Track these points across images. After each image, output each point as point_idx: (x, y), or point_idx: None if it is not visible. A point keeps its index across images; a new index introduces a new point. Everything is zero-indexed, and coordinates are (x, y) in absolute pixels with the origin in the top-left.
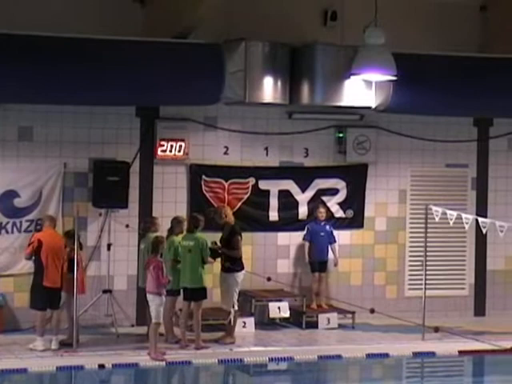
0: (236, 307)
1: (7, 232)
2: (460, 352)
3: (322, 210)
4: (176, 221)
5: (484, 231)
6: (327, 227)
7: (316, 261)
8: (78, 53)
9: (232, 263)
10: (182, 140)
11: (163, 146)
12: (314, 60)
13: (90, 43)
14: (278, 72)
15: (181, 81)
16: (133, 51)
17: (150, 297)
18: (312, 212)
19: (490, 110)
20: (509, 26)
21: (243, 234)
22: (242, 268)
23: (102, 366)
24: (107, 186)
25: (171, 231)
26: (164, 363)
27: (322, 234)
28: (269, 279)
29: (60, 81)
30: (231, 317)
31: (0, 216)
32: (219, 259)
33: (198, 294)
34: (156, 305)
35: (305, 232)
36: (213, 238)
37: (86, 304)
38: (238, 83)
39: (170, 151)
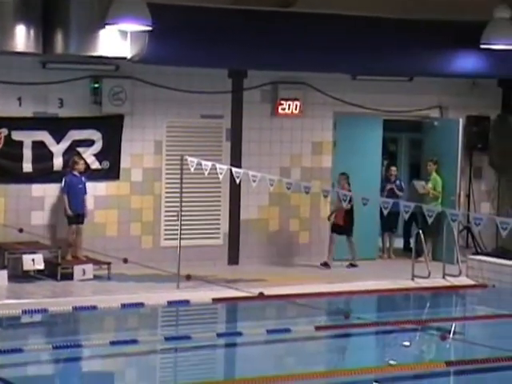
0: None
1: None
2: (214, 300)
3: (80, 161)
4: None
5: (238, 181)
6: (83, 179)
7: (73, 213)
8: None
9: None
10: None
11: None
12: (69, 9)
13: None
14: (30, 21)
15: None
16: None
17: None
18: (68, 163)
19: (242, 62)
20: None
21: None
22: None
23: None
24: None
25: None
26: None
27: (80, 186)
28: (21, 230)
29: None
30: None
31: None
32: None
33: None
34: None
35: (62, 185)
36: None
37: None
38: None
39: None
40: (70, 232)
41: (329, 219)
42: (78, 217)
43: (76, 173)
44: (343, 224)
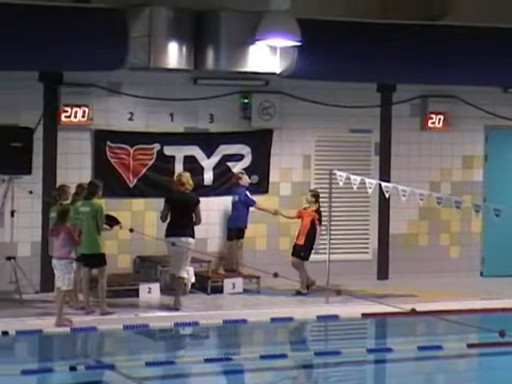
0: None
1: None
2: (363, 315)
3: (243, 176)
4: (80, 187)
5: (387, 196)
6: (247, 193)
7: (235, 227)
8: None
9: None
10: (86, 106)
11: (67, 111)
12: (219, 25)
13: None
14: (182, 37)
15: (82, 46)
16: (35, 16)
17: (59, 263)
18: (218, 178)
19: (392, 76)
20: None
21: (148, 200)
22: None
23: (5, 333)
24: (10, 152)
25: (76, 197)
26: (69, 329)
27: (243, 200)
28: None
29: None
30: (186, 282)
31: None
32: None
33: (95, 260)
34: (66, 272)
35: (235, 198)
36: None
37: None
38: (142, 48)
39: (75, 117)
40: (228, 246)
41: None
42: (238, 231)
43: (240, 187)
44: None
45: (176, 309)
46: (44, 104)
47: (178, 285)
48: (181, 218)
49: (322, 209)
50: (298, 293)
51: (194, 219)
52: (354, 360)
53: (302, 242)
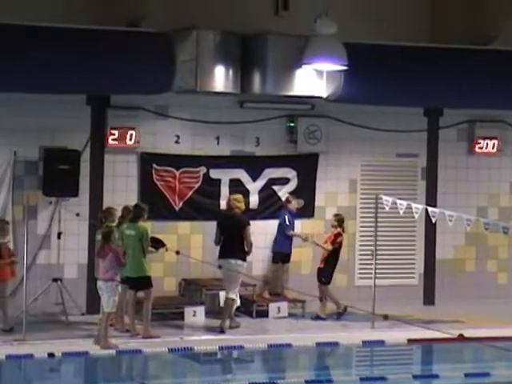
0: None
1: None
2: (409, 340)
3: (293, 201)
4: (126, 210)
5: (433, 221)
6: (290, 218)
7: (280, 251)
8: (28, 40)
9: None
10: (133, 128)
11: (114, 134)
12: (266, 49)
13: (41, 31)
14: (229, 61)
15: (131, 69)
16: (84, 40)
17: (104, 285)
18: (263, 201)
19: (440, 101)
20: (456, 15)
21: (194, 223)
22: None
23: (51, 355)
24: (57, 174)
25: (122, 220)
26: (114, 352)
27: (288, 225)
28: (220, 267)
29: (9, 68)
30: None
31: None
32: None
33: (141, 282)
34: (111, 294)
35: (284, 221)
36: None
37: (36, 293)
38: (189, 72)
39: (121, 140)
40: (273, 269)
41: None
42: (283, 255)
43: (284, 211)
44: None
45: (222, 331)
46: (91, 127)
47: (225, 305)
48: (231, 241)
49: (367, 233)
50: (317, 317)
51: (243, 241)
52: None
53: (322, 265)
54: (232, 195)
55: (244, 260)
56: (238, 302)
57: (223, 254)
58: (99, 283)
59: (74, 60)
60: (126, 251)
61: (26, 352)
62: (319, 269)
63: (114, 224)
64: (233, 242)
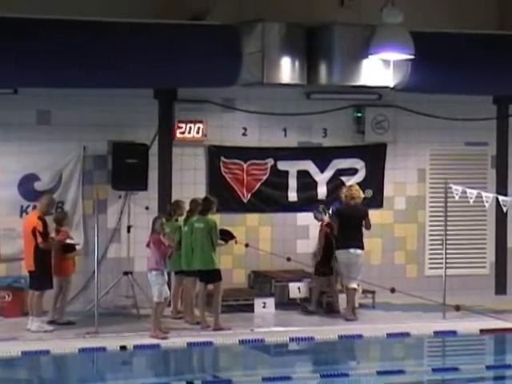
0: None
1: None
2: (481, 331)
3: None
4: (195, 203)
5: (504, 210)
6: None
7: None
8: (95, 36)
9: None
10: (201, 122)
11: (181, 127)
12: (332, 40)
13: (106, 26)
14: (295, 52)
15: (198, 63)
16: (150, 34)
17: (150, 274)
18: (332, 192)
19: (508, 88)
20: None
21: (263, 215)
22: None
23: (123, 348)
24: (126, 168)
25: (190, 213)
26: (185, 344)
27: None
28: (289, 259)
29: (78, 64)
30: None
31: (21, 199)
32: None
33: (210, 275)
34: (159, 284)
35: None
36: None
37: (107, 286)
38: (255, 64)
39: (189, 133)
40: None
41: None
42: None
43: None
44: None
45: (350, 319)
46: (159, 120)
47: (348, 295)
48: (351, 231)
49: (437, 223)
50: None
51: (362, 230)
52: (472, 377)
53: (319, 258)
54: (350, 185)
55: (363, 249)
56: (361, 291)
57: (343, 245)
58: (149, 273)
59: (141, 54)
60: (180, 244)
61: (99, 345)
62: (318, 263)
63: (183, 217)
64: (353, 232)
